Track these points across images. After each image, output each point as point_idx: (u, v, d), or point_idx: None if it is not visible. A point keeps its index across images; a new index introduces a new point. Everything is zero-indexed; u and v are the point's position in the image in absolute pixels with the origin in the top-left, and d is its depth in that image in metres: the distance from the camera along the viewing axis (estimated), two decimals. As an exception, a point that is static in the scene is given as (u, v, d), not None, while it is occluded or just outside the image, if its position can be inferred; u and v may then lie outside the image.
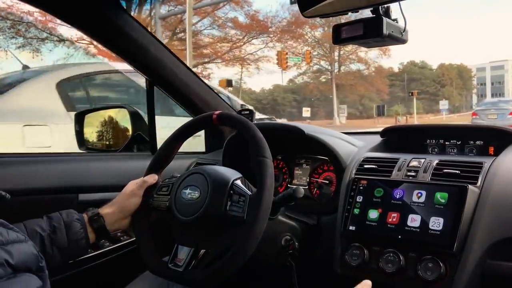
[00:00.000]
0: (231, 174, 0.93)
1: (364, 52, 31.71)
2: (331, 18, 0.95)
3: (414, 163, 1.08)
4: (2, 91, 3.21)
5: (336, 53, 32.97)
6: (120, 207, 0.96)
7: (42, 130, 3.00)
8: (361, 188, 1.07)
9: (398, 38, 0.90)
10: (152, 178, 1.00)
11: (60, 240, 0.87)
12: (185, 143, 1.07)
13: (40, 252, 0.74)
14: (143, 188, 0.98)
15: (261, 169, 0.87)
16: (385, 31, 0.87)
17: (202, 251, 0.89)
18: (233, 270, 0.83)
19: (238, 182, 0.91)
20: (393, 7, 0.89)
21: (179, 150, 1.06)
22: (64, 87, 3.23)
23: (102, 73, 3.84)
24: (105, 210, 0.95)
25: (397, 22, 0.90)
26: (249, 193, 0.89)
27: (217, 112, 0.99)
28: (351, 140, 1.30)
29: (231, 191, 0.89)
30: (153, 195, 0.98)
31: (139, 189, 0.98)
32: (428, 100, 44.35)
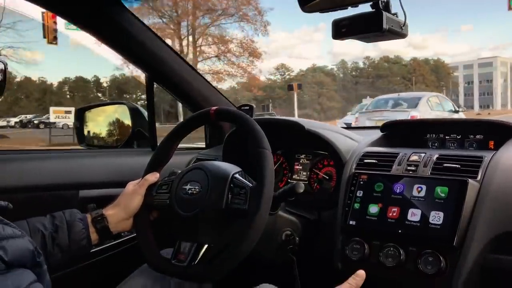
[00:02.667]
0: (231, 168, 0.93)
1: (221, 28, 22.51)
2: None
3: (414, 157, 1.08)
4: (411, 103, 7.95)
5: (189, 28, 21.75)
6: (123, 208, 0.95)
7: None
8: (361, 182, 1.08)
9: (398, 32, 0.90)
10: (153, 176, 0.99)
11: (61, 240, 0.87)
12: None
13: (41, 250, 0.73)
14: (144, 187, 0.98)
15: (261, 160, 0.87)
16: (385, 25, 0.87)
17: (205, 246, 0.89)
18: (236, 262, 0.83)
19: (238, 175, 0.91)
20: (393, 2, 0.89)
21: (178, 146, 1.06)
22: (427, 100, 7.92)
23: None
24: (108, 211, 0.94)
25: (397, 16, 0.90)
26: (250, 185, 0.89)
27: (214, 107, 0.99)
28: (351, 135, 1.30)
29: (232, 185, 0.89)
30: (154, 194, 0.98)
31: (140, 188, 0.97)
32: (395, 100, 42.86)
